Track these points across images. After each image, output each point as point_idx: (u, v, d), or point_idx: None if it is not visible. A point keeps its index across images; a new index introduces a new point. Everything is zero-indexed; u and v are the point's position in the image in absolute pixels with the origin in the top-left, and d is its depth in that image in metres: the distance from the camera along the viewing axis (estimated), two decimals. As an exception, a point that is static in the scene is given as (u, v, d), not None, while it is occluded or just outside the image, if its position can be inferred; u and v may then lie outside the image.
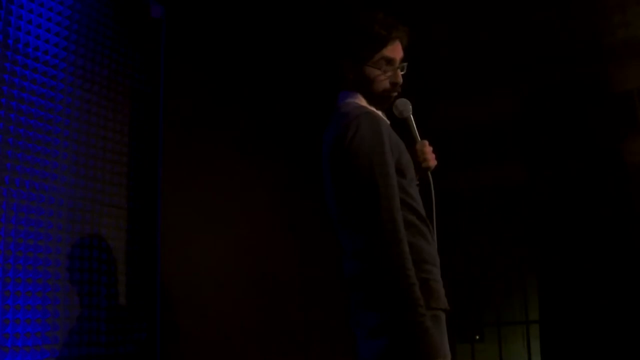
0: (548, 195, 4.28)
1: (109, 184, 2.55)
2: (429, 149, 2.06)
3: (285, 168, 3.57)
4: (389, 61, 1.93)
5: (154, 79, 2.85)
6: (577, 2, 3.69)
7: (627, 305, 3.80)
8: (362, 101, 1.96)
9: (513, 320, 4.82)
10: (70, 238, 2.34)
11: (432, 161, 2.04)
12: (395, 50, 1.94)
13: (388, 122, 1.96)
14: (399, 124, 2.04)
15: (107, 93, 2.61)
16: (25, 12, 2.27)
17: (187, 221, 2.87)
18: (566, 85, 4.28)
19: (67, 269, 2.30)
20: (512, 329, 4.89)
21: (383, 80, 1.93)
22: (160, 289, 2.68)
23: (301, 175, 3.54)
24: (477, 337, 4.95)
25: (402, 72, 1.96)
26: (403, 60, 1.97)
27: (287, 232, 3.51)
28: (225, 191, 3.13)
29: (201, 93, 3.13)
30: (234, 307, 3.01)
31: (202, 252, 2.90)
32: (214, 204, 3.04)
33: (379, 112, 1.97)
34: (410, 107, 2.05)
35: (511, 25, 3.88)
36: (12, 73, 2.19)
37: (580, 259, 4.02)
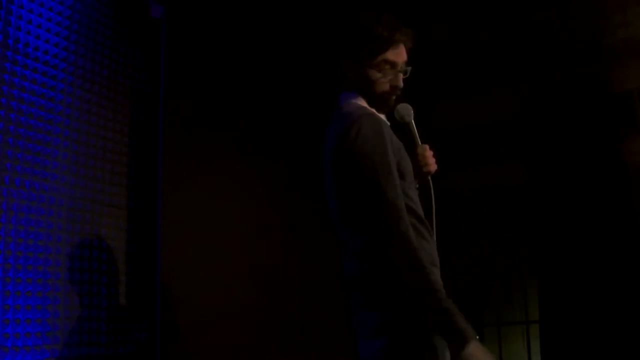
0: (548, 195, 4.28)
1: (109, 184, 2.55)
2: (429, 153, 2.06)
3: (285, 168, 3.57)
4: (391, 64, 1.92)
5: (154, 79, 2.85)
6: (577, 2, 3.69)
7: (627, 305, 3.80)
8: (363, 102, 1.95)
9: (513, 320, 4.82)
10: (70, 238, 2.34)
11: (432, 166, 2.05)
12: (398, 54, 1.93)
13: (389, 124, 1.96)
14: (400, 128, 2.04)
15: (107, 93, 2.61)
16: (25, 12, 2.27)
17: (187, 221, 2.86)
18: (566, 85, 4.28)
19: (67, 269, 2.30)
20: (512, 329, 4.88)
21: (383, 82, 1.93)
22: (160, 289, 2.68)
23: (301, 175, 3.54)
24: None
25: (405, 76, 1.95)
26: (407, 63, 1.96)
27: (287, 232, 3.51)
28: (225, 191, 3.12)
29: (201, 93, 3.13)
30: (233, 307, 3.00)
31: (202, 252, 2.90)
32: (214, 204, 3.04)
33: (381, 115, 1.97)
34: (412, 112, 2.05)
35: (511, 25, 3.88)
36: (12, 73, 2.19)
37: (580, 259, 4.01)
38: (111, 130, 2.60)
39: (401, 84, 1.94)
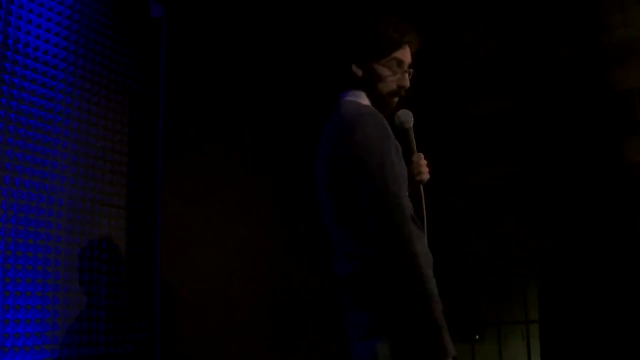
0: (548, 195, 4.28)
1: (109, 184, 2.56)
2: (424, 162, 2.05)
3: (286, 167, 3.57)
4: (400, 63, 1.93)
5: (154, 79, 2.85)
6: (577, 2, 3.69)
7: (627, 305, 3.80)
8: (365, 101, 1.95)
9: (513, 320, 4.82)
10: (70, 238, 2.34)
11: (425, 175, 2.03)
12: (406, 54, 1.95)
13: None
14: (398, 134, 2.02)
15: (107, 93, 2.61)
16: (25, 12, 2.27)
17: (187, 221, 2.86)
18: (566, 85, 4.28)
19: (67, 269, 2.31)
20: (512, 329, 4.88)
21: (391, 81, 1.93)
22: (160, 289, 2.68)
23: (301, 175, 3.53)
24: (477, 337, 4.95)
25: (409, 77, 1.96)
26: (410, 66, 1.97)
27: (287, 232, 3.50)
28: (225, 191, 3.12)
29: (201, 93, 3.13)
30: (233, 307, 3.01)
31: (202, 252, 2.90)
32: (214, 204, 3.04)
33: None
34: (412, 118, 2.04)
35: (511, 25, 3.88)
36: (12, 73, 2.19)
37: (580, 258, 4.01)
38: (111, 130, 2.61)
39: (408, 84, 1.95)
